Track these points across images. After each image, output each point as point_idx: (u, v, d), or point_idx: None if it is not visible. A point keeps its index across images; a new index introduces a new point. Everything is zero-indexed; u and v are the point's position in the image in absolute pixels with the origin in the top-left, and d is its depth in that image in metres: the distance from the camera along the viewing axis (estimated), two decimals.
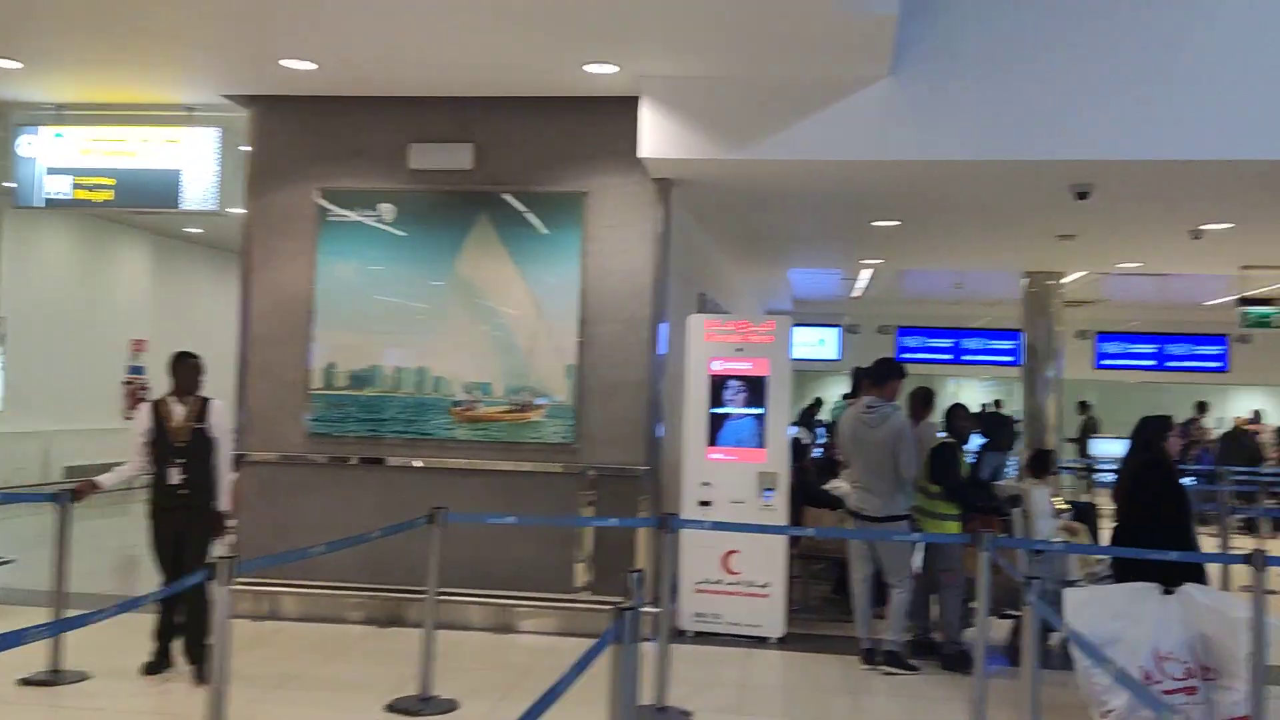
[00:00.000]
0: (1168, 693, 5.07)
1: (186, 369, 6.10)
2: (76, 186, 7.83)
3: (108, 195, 7.82)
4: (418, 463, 7.42)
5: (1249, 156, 6.23)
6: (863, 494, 6.65)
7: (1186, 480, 15.04)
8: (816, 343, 18.66)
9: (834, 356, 18.75)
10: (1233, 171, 6.60)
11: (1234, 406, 18.52)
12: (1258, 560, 4.90)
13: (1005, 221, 8.75)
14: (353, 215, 7.52)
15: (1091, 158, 6.41)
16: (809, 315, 18.24)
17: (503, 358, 7.38)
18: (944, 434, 7.00)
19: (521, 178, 7.41)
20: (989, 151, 6.47)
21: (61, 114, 7.86)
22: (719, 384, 7.31)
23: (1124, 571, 5.44)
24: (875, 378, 6.82)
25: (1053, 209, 7.99)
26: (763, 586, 7.14)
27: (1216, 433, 16.29)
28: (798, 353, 18.39)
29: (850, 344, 18.69)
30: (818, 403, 17.71)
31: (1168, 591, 5.21)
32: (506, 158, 7.43)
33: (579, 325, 7.32)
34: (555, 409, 7.32)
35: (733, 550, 7.17)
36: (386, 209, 7.50)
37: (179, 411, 6.01)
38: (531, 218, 7.36)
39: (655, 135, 6.77)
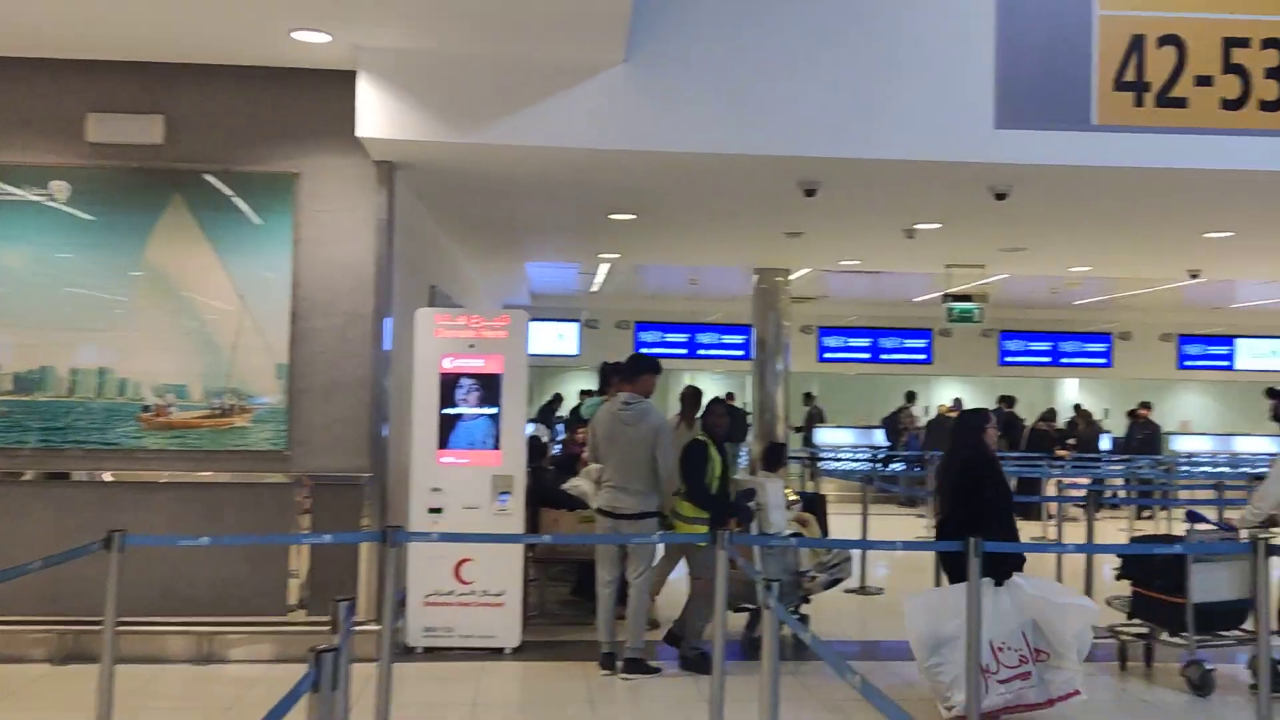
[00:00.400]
0: (1004, 681, 5.26)
1: None
2: None
3: None
4: (106, 476, 6.52)
5: (953, 159, 6.50)
6: (615, 492, 6.41)
7: (899, 465, 16.09)
8: (555, 338, 18.49)
9: (573, 352, 18.67)
10: (940, 172, 6.86)
11: (937, 395, 19.96)
12: (974, 548, 5.03)
13: (737, 217, 8.82)
14: (18, 194, 6.50)
15: (817, 154, 6.48)
16: (548, 310, 18.05)
17: (202, 357, 6.60)
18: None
19: (223, 156, 6.65)
20: (720, 145, 6.41)
21: None
22: (450, 382, 6.87)
23: (956, 568, 5.46)
24: (629, 373, 6.62)
25: (782, 206, 8.10)
26: (497, 595, 6.77)
27: (924, 420, 17.45)
28: (536, 348, 18.18)
29: (589, 339, 18.66)
30: (557, 399, 17.55)
31: (999, 584, 5.34)
32: (205, 133, 6.64)
33: (291, 320, 6.66)
34: (264, 412, 6.63)
35: (465, 559, 6.76)
36: (59, 187, 6.52)
37: None
38: (235, 201, 6.62)
39: (375, 113, 6.24)
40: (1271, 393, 6.29)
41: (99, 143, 6.54)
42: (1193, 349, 19.29)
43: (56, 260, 6.50)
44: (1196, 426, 19.69)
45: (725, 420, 6.41)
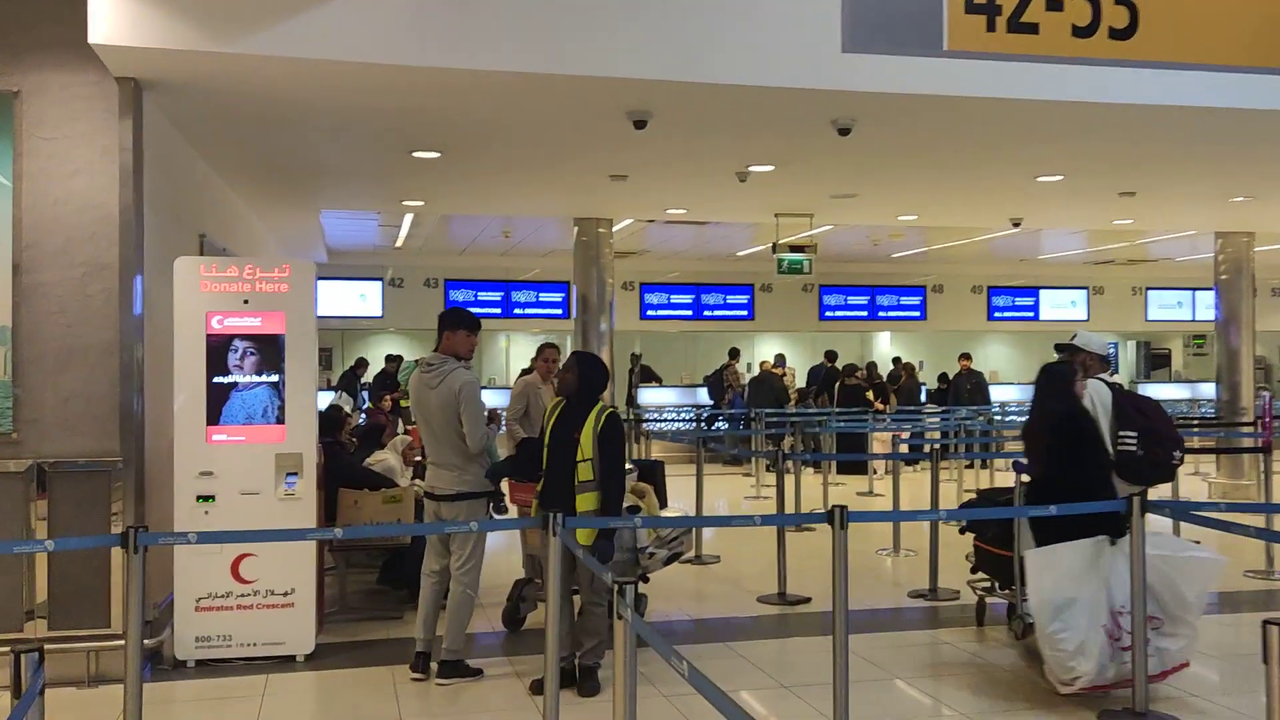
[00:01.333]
0: (1127, 649, 4.82)
1: None
2: None
3: None
4: None
5: (798, 85, 5.86)
6: (432, 469, 5.50)
7: (722, 424, 15.72)
8: (357, 298, 17.10)
9: (376, 313, 17.32)
10: (783, 101, 6.22)
11: (760, 352, 19.77)
12: (838, 518, 4.44)
13: (557, 157, 7.96)
14: None
15: (648, 77, 5.69)
16: (348, 268, 16.64)
17: None
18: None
19: None
20: (535, 64, 5.53)
21: None
22: (221, 345, 5.77)
23: (1047, 528, 5.06)
24: (438, 331, 5.65)
25: (608, 142, 7.30)
26: (285, 594, 5.77)
27: (747, 377, 17.16)
28: (337, 309, 16.82)
29: (394, 299, 17.35)
30: (361, 364, 16.29)
31: (1113, 542, 4.96)
32: None
33: (13, 272, 5.42)
34: None
35: (245, 554, 5.72)
36: None
37: None
38: None
39: (111, 15, 5.02)
40: (1060, 348, 6.04)
41: None
42: (1001, 300, 19.74)
43: None
44: (1003, 376, 20.24)
45: (571, 376, 5.40)
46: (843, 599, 4.36)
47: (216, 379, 5.75)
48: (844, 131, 6.68)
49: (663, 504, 6.96)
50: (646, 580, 6.41)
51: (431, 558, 5.57)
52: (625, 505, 6.07)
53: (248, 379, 5.78)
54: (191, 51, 5.18)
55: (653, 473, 6.99)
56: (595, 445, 5.15)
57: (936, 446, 7.87)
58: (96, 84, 5.52)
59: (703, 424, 15.91)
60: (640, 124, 6.47)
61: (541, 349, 6.98)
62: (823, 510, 4.57)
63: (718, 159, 8.00)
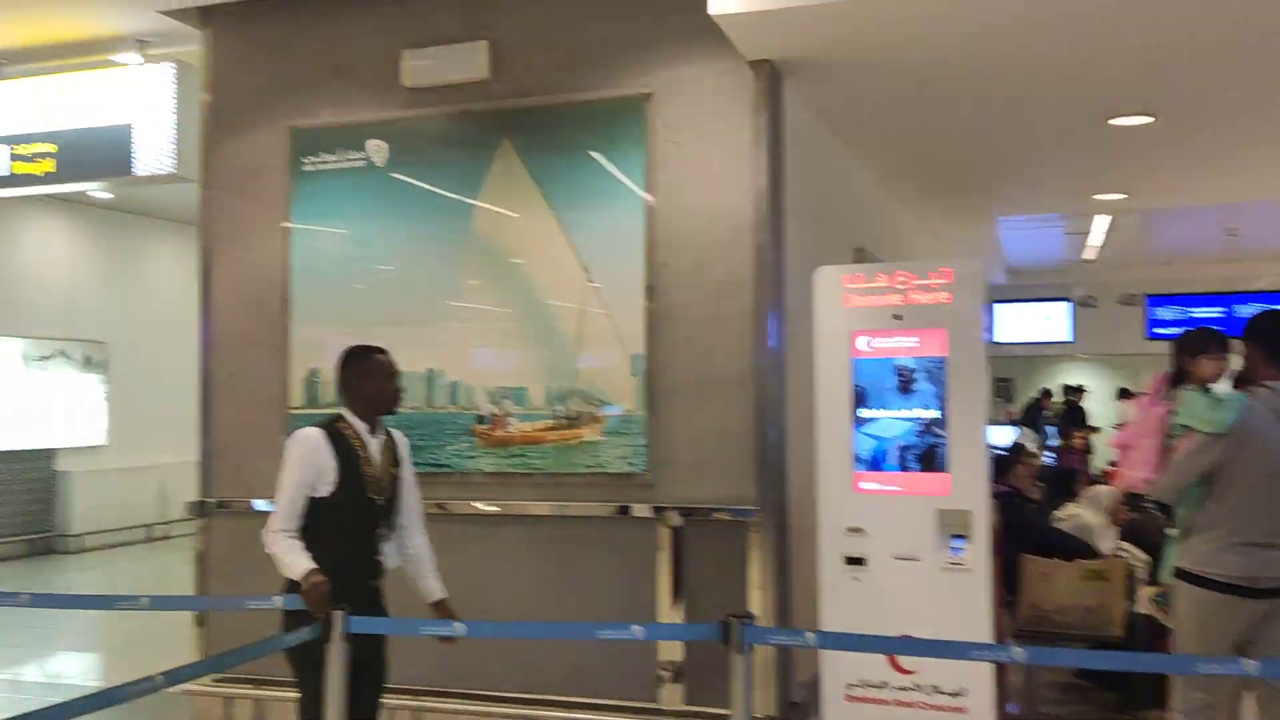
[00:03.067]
0: None
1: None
2: (14, 158, 6.09)
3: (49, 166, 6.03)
4: (433, 508, 5.15)
5: None
6: (1271, 555, 3.62)
7: None
8: (1040, 321, 15.19)
9: (1066, 337, 15.22)
10: None
11: None
12: None
13: None
14: (333, 161, 5.36)
15: None
16: (1030, 289, 14.86)
17: (541, 350, 5.04)
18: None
19: (556, 82, 5.04)
20: None
21: None
22: (872, 372, 4.65)
23: None
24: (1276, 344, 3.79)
25: None
26: (954, 694, 4.41)
27: None
28: (1018, 334, 15.15)
29: (1085, 320, 15.14)
30: (1045, 395, 14.43)
31: None
32: (534, 56, 5.08)
33: (647, 296, 4.86)
34: (618, 421, 4.89)
35: (904, 636, 4.48)
36: (377, 147, 5.29)
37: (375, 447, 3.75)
38: (574, 139, 4.97)
39: None
40: None
41: (418, 87, 5.22)
42: None
43: (371, 238, 5.29)
44: None
45: None
46: None
47: (863, 413, 4.63)
48: None
49: None
50: None
51: (1196, 687, 3.73)
52: None
53: (902, 414, 4.57)
54: (823, 4, 4.16)
55: None
56: None
57: None
58: (729, 74, 4.79)
59: None
60: None
61: None
62: None
63: None
